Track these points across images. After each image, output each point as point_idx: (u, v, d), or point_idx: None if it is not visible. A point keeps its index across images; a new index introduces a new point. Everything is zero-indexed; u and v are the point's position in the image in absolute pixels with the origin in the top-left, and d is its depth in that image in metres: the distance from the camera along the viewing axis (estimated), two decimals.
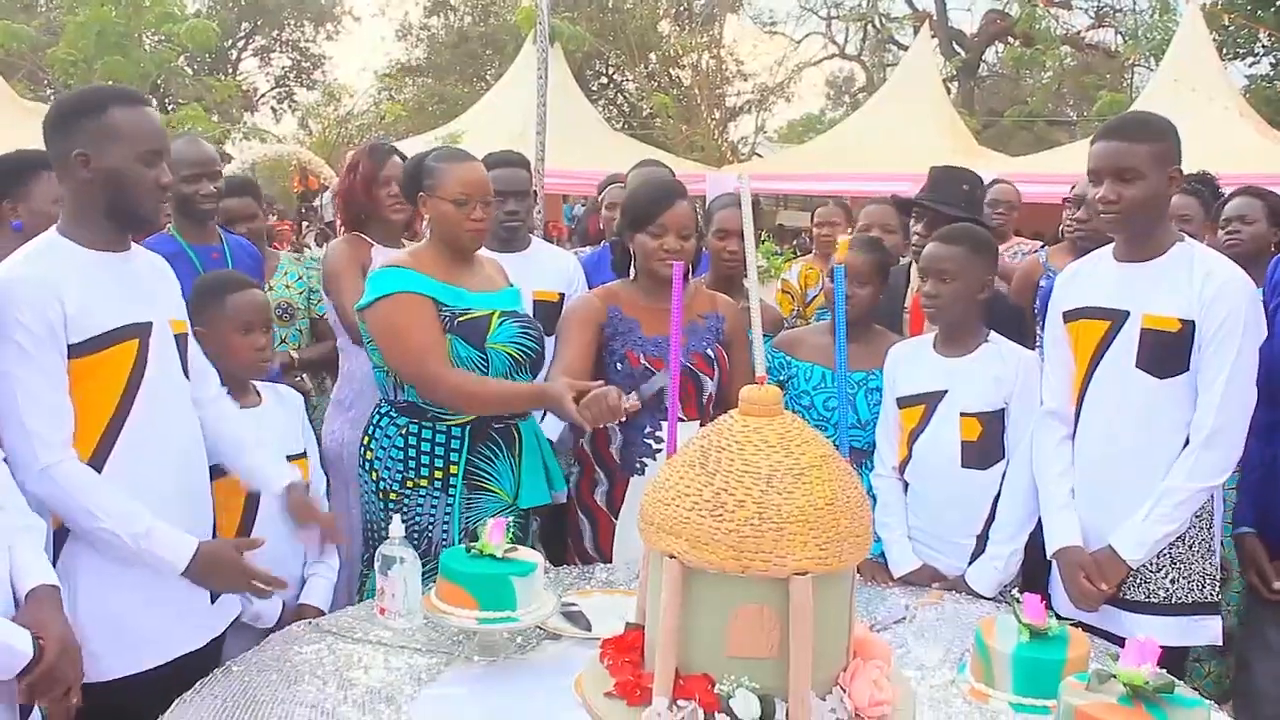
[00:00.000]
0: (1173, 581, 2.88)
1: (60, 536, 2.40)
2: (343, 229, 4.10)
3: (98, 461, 2.40)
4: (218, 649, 2.68)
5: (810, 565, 1.72)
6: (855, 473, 1.87)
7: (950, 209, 3.99)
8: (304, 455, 3.08)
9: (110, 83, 17.28)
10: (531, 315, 3.68)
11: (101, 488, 2.37)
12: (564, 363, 3.16)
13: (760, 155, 21.01)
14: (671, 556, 1.76)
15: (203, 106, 17.07)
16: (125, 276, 2.50)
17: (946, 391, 3.14)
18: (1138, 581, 2.89)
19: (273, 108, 26.84)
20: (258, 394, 3.05)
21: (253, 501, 2.86)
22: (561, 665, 2.40)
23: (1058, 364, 3.06)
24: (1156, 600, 2.89)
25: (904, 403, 3.21)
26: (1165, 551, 2.87)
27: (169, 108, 20.55)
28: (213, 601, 2.63)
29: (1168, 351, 2.82)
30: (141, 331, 2.48)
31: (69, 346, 2.34)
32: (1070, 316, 3.01)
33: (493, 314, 3.11)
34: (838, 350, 2.18)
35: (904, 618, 2.69)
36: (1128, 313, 2.88)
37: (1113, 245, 3.00)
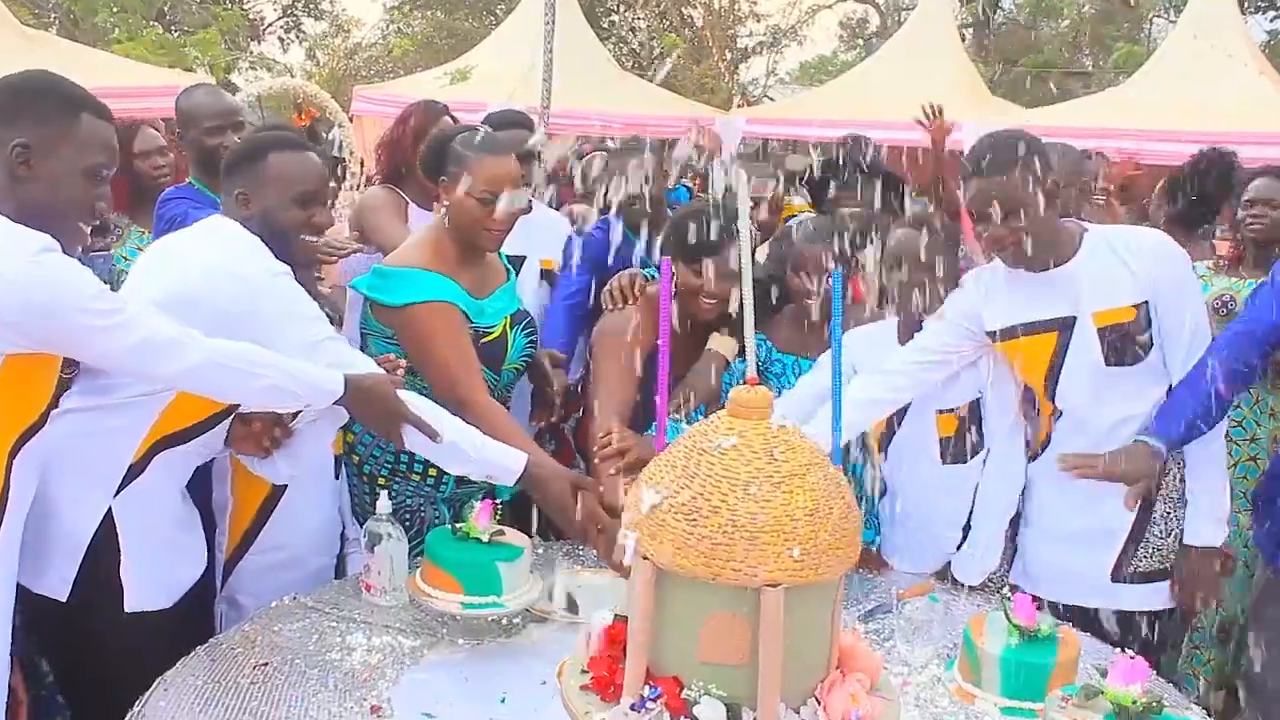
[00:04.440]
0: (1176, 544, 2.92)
1: (127, 478, 2.49)
2: (378, 179, 4.05)
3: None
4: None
5: (783, 577, 1.68)
6: (845, 482, 1.83)
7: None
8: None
9: (117, 11, 17.17)
10: (538, 283, 3.60)
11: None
12: (613, 397, 3.00)
13: (771, 98, 20.76)
14: (646, 558, 1.74)
15: (214, 31, 16.87)
16: None
17: None
18: (1150, 551, 2.90)
19: (280, 37, 26.48)
20: None
21: (270, 502, 2.80)
22: (547, 649, 2.40)
23: (929, 347, 2.98)
24: (1166, 567, 2.92)
25: None
26: (1174, 516, 2.90)
27: (174, 34, 20.33)
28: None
29: (1131, 339, 2.82)
30: None
31: None
32: (1003, 335, 2.93)
33: (506, 325, 3.02)
34: (834, 354, 2.16)
35: (891, 609, 2.67)
36: (1074, 318, 2.85)
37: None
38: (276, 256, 2.60)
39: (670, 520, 1.70)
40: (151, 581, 2.53)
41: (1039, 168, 2.75)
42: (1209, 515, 2.86)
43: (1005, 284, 2.93)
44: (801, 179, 4.21)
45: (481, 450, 2.60)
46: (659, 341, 2.12)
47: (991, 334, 2.95)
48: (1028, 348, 2.91)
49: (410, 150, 3.79)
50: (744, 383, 1.81)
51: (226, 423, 2.62)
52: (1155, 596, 2.92)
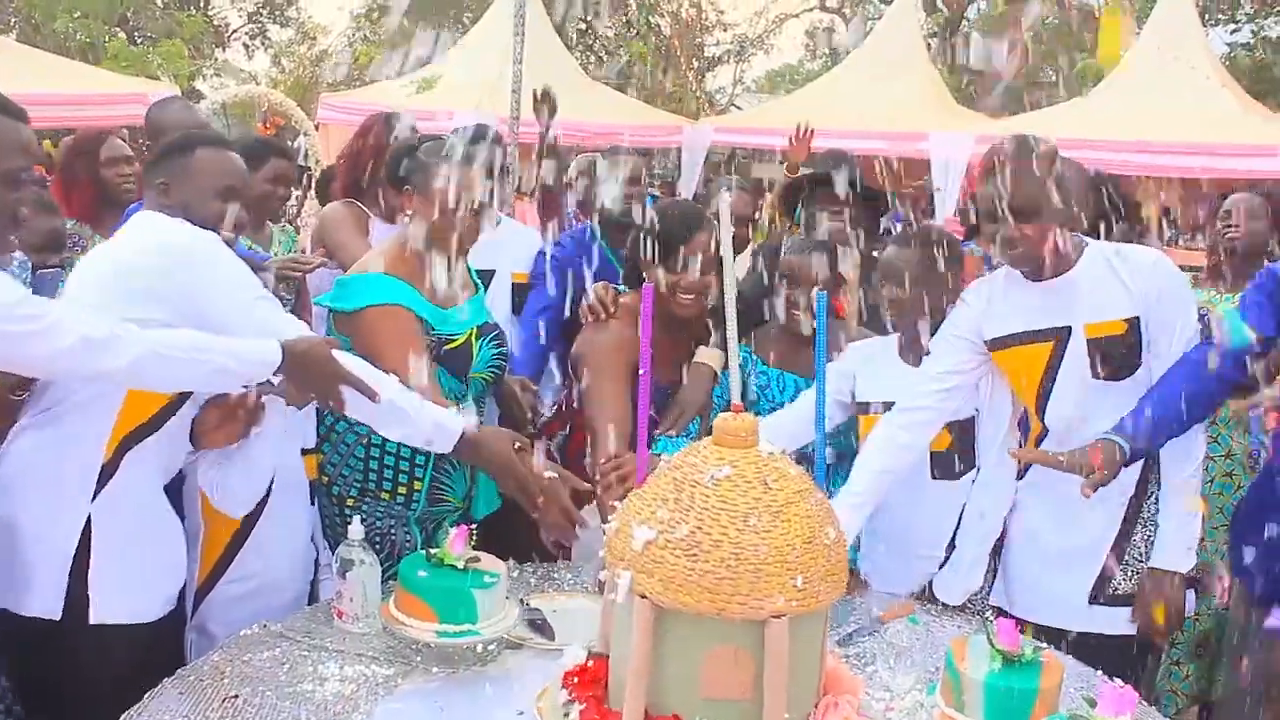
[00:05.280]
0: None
1: (102, 480, 2.46)
2: (339, 192, 4.02)
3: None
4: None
5: (788, 607, 1.66)
6: (832, 507, 1.81)
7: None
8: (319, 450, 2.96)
9: (78, 16, 17.00)
10: (509, 298, 3.60)
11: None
12: (611, 416, 2.93)
13: (738, 107, 20.83)
14: (643, 596, 1.70)
15: (178, 41, 16.77)
16: None
17: None
18: (1129, 574, 2.89)
19: (245, 44, 26.27)
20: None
21: (244, 530, 2.76)
22: (523, 677, 2.34)
23: (943, 371, 2.96)
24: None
25: (866, 409, 3.11)
26: (1154, 540, 2.88)
27: (138, 41, 20.13)
28: None
29: (1119, 354, 2.81)
30: None
31: None
32: (1000, 344, 2.93)
33: (471, 335, 2.97)
34: (818, 378, 2.13)
35: (871, 631, 2.64)
36: (1069, 328, 2.84)
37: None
38: None
39: (669, 556, 1.67)
40: (124, 593, 2.48)
41: (1055, 171, 2.76)
42: (1178, 541, 2.84)
43: (1004, 293, 2.93)
44: (783, 196, 4.19)
45: (420, 411, 2.60)
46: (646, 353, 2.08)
47: (989, 342, 2.94)
48: (1022, 357, 2.90)
49: (372, 165, 3.76)
50: (728, 408, 1.78)
51: (190, 405, 2.59)
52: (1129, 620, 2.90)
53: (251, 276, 2.57)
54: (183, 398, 2.54)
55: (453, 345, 2.92)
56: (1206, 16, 16.66)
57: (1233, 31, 19.37)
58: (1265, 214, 3.95)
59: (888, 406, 3.01)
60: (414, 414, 2.59)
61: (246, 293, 2.54)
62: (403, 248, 2.94)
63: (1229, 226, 3.96)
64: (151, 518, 2.58)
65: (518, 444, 2.71)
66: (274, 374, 2.39)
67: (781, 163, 4.72)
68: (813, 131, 4.89)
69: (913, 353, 3.09)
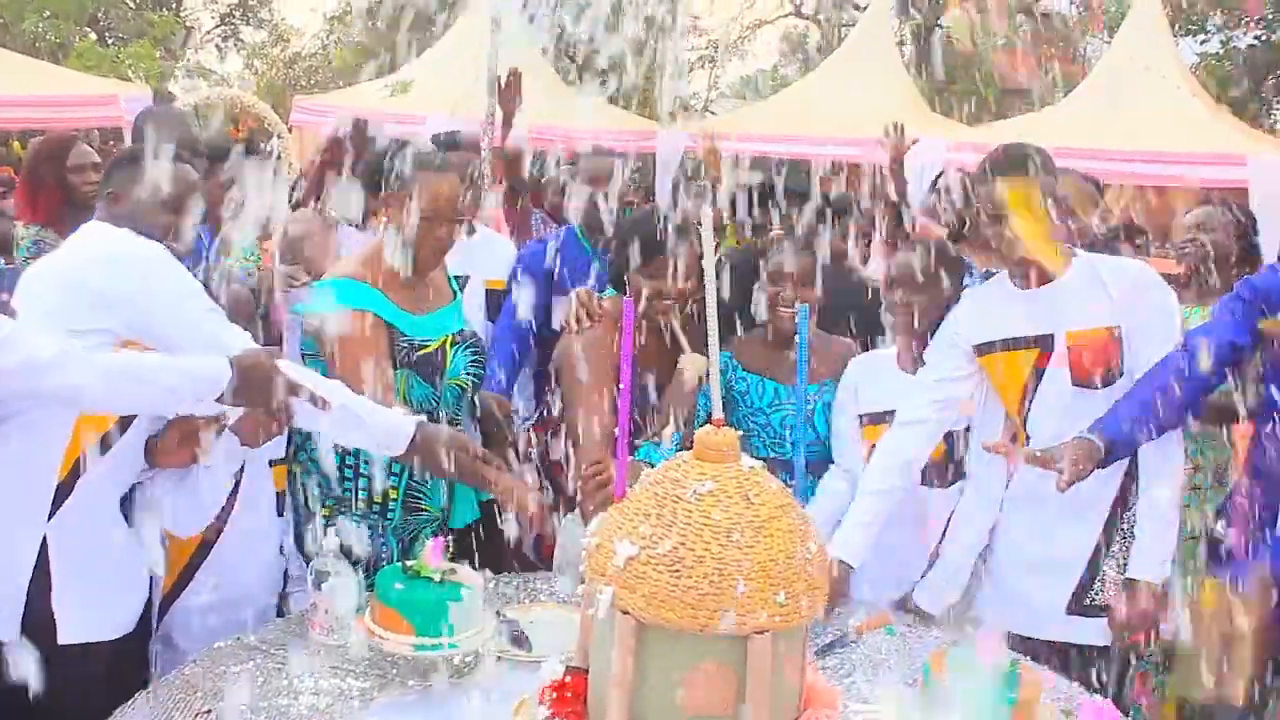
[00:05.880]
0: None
1: (57, 500, 2.43)
2: (310, 200, 4.02)
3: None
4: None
5: (771, 624, 1.65)
6: (812, 521, 1.80)
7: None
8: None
9: (47, 16, 16.85)
10: (484, 305, 3.53)
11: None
12: (594, 418, 2.93)
13: (713, 113, 20.85)
14: (625, 612, 1.68)
15: (148, 42, 16.65)
16: None
17: None
18: (1107, 585, 2.90)
19: (217, 45, 26.09)
20: None
21: (209, 541, 2.75)
22: (499, 689, 2.32)
23: (939, 380, 2.98)
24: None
25: (867, 420, 3.13)
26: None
27: (109, 42, 19.95)
28: None
29: (1100, 362, 2.83)
30: None
31: None
32: (986, 350, 2.96)
33: (445, 342, 2.96)
34: (799, 373, 2.12)
35: (849, 642, 2.64)
36: (1051, 336, 2.87)
37: (1007, 273, 2.97)
38: None
39: (651, 572, 1.65)
40: (88, 612, 2.45)
41: (1054, 178, 2.81)
42: (1154, 552, 2.85)
43: (995, 299, 2.97)
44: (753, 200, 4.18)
45: (373, 415, 2.60)
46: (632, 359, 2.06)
47: (976, 348, 2.96)
48: (1007, 363, 2.93)
49: (339, 170, 3.76)
50: (709, 421, 1.77)
51: (143, 421, 2.56)
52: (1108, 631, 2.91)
53: (199, 289, 2.56)
54: (134, 415, 2.52)
55: (425, 351, 2.91)
56: (1177, 27, 16.80)
57: (1202, 42, 19.55)
58: (1230, 225, 3.98)
59: (880, 415, 3.05)
60: (366, 418, 2.58)
61: (194, 304, 2.53)
62: (376, 253, 2.94)
63: (1193, 240, 3.99)
64: (110, 536, 2.55)
65: (472, 449, 2.72)
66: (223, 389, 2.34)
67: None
68: (718, 138, 4.90)
69: (912, 362, 3.11)
